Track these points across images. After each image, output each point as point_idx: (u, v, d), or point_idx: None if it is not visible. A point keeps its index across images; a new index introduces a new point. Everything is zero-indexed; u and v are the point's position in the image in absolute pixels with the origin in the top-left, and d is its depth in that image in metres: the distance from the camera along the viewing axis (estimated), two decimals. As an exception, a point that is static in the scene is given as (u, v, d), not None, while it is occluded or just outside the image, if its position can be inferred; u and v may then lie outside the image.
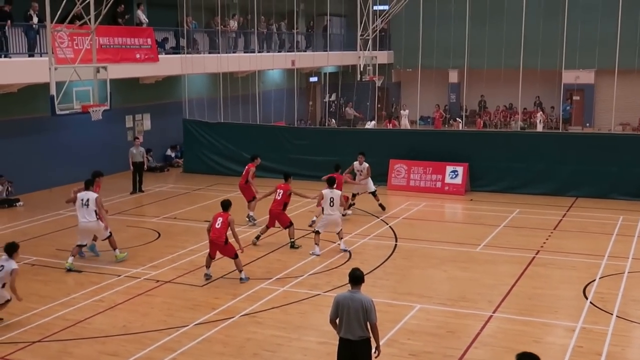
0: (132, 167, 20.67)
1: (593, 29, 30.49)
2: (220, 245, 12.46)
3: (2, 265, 10.62)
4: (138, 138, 21.39)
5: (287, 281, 12.59)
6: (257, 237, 15.03)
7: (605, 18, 29.17)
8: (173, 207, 18.52)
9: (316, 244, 14.13)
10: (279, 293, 11.96)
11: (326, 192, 14.17)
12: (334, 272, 13.11)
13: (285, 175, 15.34)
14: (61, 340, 10.13)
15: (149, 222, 17.03)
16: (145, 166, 21.26)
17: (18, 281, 12.68)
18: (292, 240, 14.67)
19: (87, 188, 13.70)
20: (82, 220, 13.38)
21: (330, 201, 14.07)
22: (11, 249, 10.72)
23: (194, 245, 14.96)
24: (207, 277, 12.72)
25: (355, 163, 17.80)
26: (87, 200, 13.36)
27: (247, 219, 16.70)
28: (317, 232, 14.23)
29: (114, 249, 13.88)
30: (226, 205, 12.71)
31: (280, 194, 14.80)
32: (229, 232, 12.48)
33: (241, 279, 12.56)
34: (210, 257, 12.72)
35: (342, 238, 14.38)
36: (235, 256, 12.53)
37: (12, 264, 10.62)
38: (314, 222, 16.03)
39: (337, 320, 7.78)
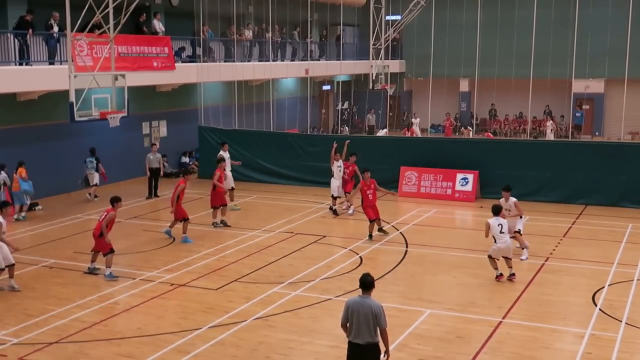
0: (148, 173, 21.01)
1: (603, 38, 30.58)
2: (95, 237, 13.26)
3: None
4: (155, 144, 21.68)
5: (299, 285, 12.78)
6: (381, 230, 16.10)
7: (615, 28, 29.26)
8: (188, 211, 18.75)
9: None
10: (291, 297, 12.14)
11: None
12: (345, 277, 13.29)
13: (364, 170, 16.47)
14: (78, 341, 10.33)
15: (164, 227, 17.28)
16: (162, 172, 21.57)
17: (35, 282, 13.04)
18: (380, 227, 16.05)
19: None
20: None
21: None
22: None
23: (209, 249, 15.21)
24: (91, 270, 13.46)
25: (502, 200, 14.42)
26: None
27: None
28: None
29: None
30: (111, 200, 13.40)
31: (371, 194, 15.98)
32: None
33: (105, 275, 13.10)
34: (94, 250, 13.46)
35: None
36: (108, 252, 13.06)
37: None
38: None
39: (348, 325, 7.94)
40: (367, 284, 7.88)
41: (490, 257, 13.01)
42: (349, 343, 7.90)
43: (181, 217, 15.87)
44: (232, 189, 19.13)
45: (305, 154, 22.83)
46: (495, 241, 12.74)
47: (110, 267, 13.16)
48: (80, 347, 10.14)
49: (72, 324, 10.99)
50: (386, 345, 7.87)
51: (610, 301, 11.87)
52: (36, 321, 11.09)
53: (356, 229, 16.38)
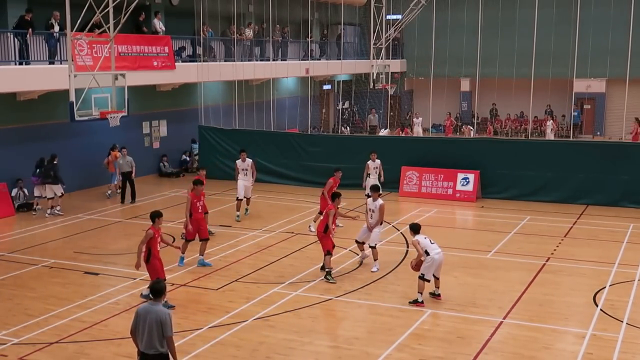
0: (120, 178, 20.37)
1: (604, 38, 30.57)
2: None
3: None
4: (125, 148, 20.77)
5: (299, 285, 12.77)
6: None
7: (617, 28, 29.25)
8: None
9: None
10: (291, 297, 12.13)
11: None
12: (346, 277, 13.28)
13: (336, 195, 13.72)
14: (78, 341, 10.33)
15: (164, 227, 17.13)
16: (134, 175, 20.50)
17: (35, 282, 13.03)
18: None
19: None
20: None
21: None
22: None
23: (208, 249, 15.11)
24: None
25: (369, 200, 14.05)
26: None
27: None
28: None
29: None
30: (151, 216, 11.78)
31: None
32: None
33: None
34: None
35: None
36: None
37: None
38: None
39: (137, 333, 7.77)
40: (155, 290, 7.84)
41: (423, 278, 11.64)
42: (140, 353, 7.75)
43: (201, 236, 14.25)
44: (248, 199, 18.17)
45: (306, 153, 22.82)
46: (428, 254, 11.63)
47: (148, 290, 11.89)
48: (81, 347, 10.14)
49: (72, 324, 10.99)
50: (173, 356, 7.69)
51: (611, 301, 11.86)
52: (36, 321, 11.09)
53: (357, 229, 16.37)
